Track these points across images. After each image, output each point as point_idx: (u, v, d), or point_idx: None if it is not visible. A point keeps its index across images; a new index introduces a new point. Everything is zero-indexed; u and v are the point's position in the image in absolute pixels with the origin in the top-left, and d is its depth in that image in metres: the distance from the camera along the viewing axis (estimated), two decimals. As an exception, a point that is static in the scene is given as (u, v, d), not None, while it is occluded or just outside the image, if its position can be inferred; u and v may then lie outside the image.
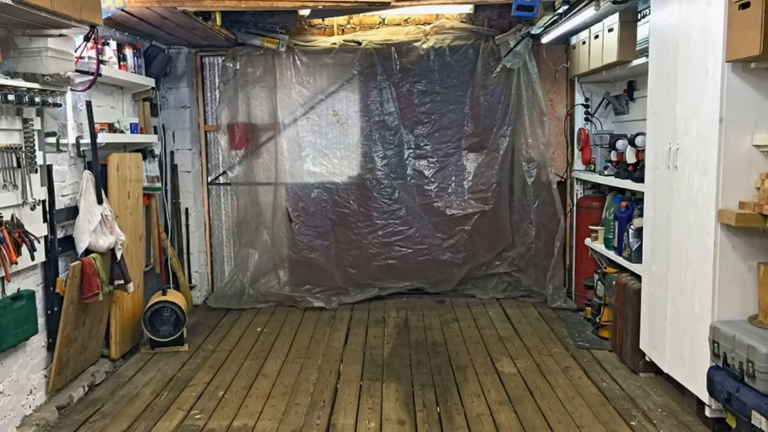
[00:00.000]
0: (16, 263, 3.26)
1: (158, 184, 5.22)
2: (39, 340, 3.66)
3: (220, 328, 5.23)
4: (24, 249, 3.35)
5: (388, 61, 5.72)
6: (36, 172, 3.54)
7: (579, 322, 5.10)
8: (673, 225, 3.52)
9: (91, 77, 3.93)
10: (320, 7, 4.44)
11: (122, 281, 4.14)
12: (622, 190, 4.83)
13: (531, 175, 5.65)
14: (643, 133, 4.09)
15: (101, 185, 4.11)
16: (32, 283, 3.61)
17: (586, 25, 4.84)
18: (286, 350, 4.66)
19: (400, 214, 5.85)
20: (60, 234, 3.87)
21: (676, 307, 3.49)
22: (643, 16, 3.95)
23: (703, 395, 3.16)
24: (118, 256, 4.14)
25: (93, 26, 3.55)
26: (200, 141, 5.96)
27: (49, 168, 3.74)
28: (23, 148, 3.42)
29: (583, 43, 5.03)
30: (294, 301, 5.77)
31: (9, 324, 3.27)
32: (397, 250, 5.86)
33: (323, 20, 5.85)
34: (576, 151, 5.63)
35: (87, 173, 4.04)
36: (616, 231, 4.47)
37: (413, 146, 5.84)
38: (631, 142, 4.33)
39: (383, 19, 5.90)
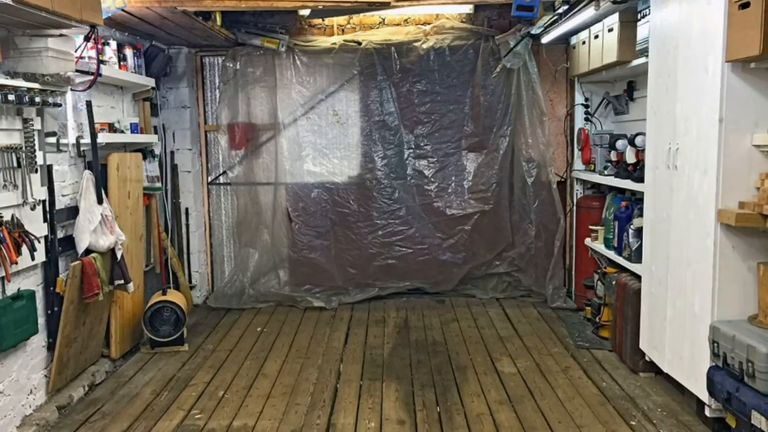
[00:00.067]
0: (17, 263, 3.26)
1: (158, 184, 5.23)
2: (39, 340, 3.66)
3: (220, 327, 5.23)
4: (24, 249, 3.35)
5: (388, 61, 5.72)
6: (36, 172, 3.55)
7: (579, 321, 5.10)
8: (673, 225, 3.52)
9: (92, 77, 3.93)
10: (320, 7, 4.44)
11: (122, 281, 4.15)
12: (622, 190, 4.84)
13: (531, 175, 5.65)
14: (643, 133, 4.09)
15: (101, 185, 4.12)
16: (32, 282, 3.61)
17: (586, 25, 4.85)
18: (286, 350, 4.67)
19: (400, 214, 5.85)
20: (60, 234, 3.87)
21: (675, 307, 3.49)
22: (643, 16, 3.95)
23: (703, 395, 3.17)
24: (119, 256, 4.14)
25: (93, 26, 3.55)
26: (200, 141, 5.96)
27: (50, 168, 3.74)
28: (23, 148, 3.43)
29: (583, 43, 5.04)
30: (294, 301, 5.77)
31: (9, 324, 3.27)
32: (397, 250, 5.86)
33: (323, 20, 5.85)
34: (576, 151, 5.63)
35: (87, 173, 4.04)
36: (616, 231, 4.47)
37: (413, 146, 5.84)
38: (631, 142, 4.33)
39: (383, 19, 5.90)
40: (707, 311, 3.14)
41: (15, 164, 3.36)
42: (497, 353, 4.49)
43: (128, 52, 4.70)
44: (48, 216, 3.71)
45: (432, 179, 5.85)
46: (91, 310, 4.01)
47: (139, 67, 4.93)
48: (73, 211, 3.98)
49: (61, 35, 3.46)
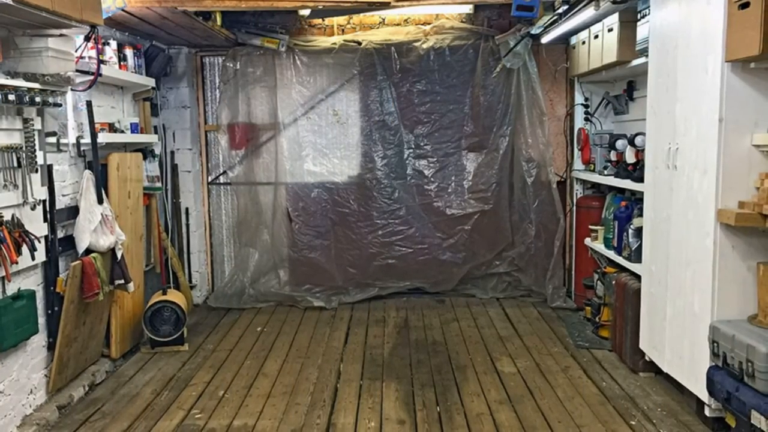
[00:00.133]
0: (17, 263, 3.27)
1: (158, 184, 5.23)
2: (39, 340, 3.66)
3: (221, 327, 5.23)
4: (24, 249, 3.35)
5: (388, 61, 5.72)
6: (36, 171, 3.55)
7: (579, 321, 5.11)
8: (673, 225, 3.53)
9: (92, 77, 3.93)
10: (320, 7, 4.45)
11: (122, 281, 4.15)
12: (621, 190, 4.84)
13: (531, 175, 5.65)
14: (643, 133, 4.09)
15: (101, 185, 4.12)
16: (33, 282, 3.61)
17: (586, 25, 4.85)
18: (286, 350, 4.67)
19: (400, 214, 5.86)
20: (60, 234, 3.87)
21: (675, 307, 3.50)
22: (643, 16, 3.96)
23: (703, 395, 3.17)
24: (119, 255, 4.14)
25: (93, 26, 3.55)
26: (200, 141, 5.96)
27: (50, 168, 3.74)
28: (24, 148, 3.43)
29: (583, 43, 5.04)
30: (294, 300, 5.77)
31: (9, 323, 3.27)
32: (397, 249, 5.87)
33: (323, 20, 5.85)
34: (576, 150, 5.63)
35: (87, 173, 4.04)
36: (616, 231, 4.47)
37: (413, 146, 5.84)
38: (631, 142, 4.33)
39: (383, 19, 5.90)
40: (707, 311, 3.14)
41: (15, 164, 3.36)
42: (497, 353, 4.49)
43: (128, 52, 4.71)
44: (48, 216, 3.71)
45: (432, 179, 5.86)
46: (91, 309, 4.01)
47: (140, 67, 4.93)
48: (73, 211, 3.98)
49: (61, 35, 3.46)
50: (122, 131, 4.62)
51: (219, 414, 3.62)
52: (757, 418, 2.72)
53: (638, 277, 4.07)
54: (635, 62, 4.23)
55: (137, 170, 4.74)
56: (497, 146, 5.75)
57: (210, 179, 6.05)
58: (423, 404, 3.69)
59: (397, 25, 5.91)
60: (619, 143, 4.60)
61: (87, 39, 3.75)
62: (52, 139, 3.78)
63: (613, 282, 4.37)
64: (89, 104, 4.03)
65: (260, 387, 4.00)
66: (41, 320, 3.65)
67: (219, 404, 3.75)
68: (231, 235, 6.10)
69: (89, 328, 4.05)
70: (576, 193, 5.69)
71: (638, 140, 4.21)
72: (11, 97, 3.18)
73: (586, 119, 5.53)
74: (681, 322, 3.43)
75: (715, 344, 3.02)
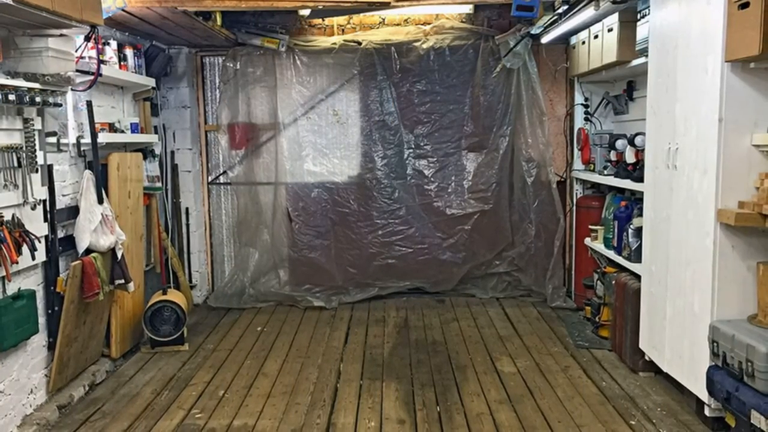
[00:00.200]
0: (17, 263, 3.27)
1: (159, 184, 5.23)
2: (39, 340, 3.66)
3: (221, 327, 5.24)
4: (25, 248, 3.35)
5: (388, 61, 5.72)
6: (37, 171, 3.55)
7: (578, 321, 5.11)
8: (673, 225, 3.53)
9: (92, 77, 3.93)
10: (320, 7, 4.45)
11: (123, 281, 4.15)
12: (621, 190, 4.84)
13: (531, 175, 5.66)
14: (643, 133, 4.09)
15: (102, 185, 4.12)
16: (33, 282, 3.61)
17: (586, 25, 4.85)
18: (286, 350, 4.67)
19: (400, 214, 5.86)
20: (60, 233, 3.87)
21: (675, 307, 3.50)
22: (643, 16, 3.96)
23: (703, 394, 3.17)
24: (119, 255, 4.14)
25: (93, 26, 3.55)
26: (200, 141, 5.96)
27: (50, 168, 3.75)
28: (24, 148, 3.43)
29: (583, 43, 5.04)
30: (294, 300, 5.77)
31: (10, 323, 3.27)
32: (397, 249, 5.87)
33: (323, 20, 5.85)
34: (575, 150, 5.63)
35: (87, 173, 4.04)
36: (616, 230, 4.47)
37: (413, 146, 5.84)
38: (631, 142, 4.34)
39: (383, 19, 5.91)
40: (707, 311, 3.14)
41: (15, 164, 3.37)
42: (497, 353, 4.50)
43: (128, 52, 4.71)
44: (48, 216, 3.72)
45: (432, 179, 5.86)
46: (91, 309, 4.01)
47: (140, 67, 4.93)
48: (73, 211, 3.99)
49: (61, 35, 3.46)
50: (122, 131, 4.62)
51: (219, 414, 3.62)
52: (756, 418, 2.72)
53: (638, 277, 4.07)
54: (635, 62, 4.23)
55: (137, 170, 4.74)
56: (497, 146, 5.75)
57: (210, 179, 6.05)
58: (423, 404, 3.69)
59: (397, 25, 5.91)
60: (619, 143, 4.61)
61: (87, 39, 3.76)
62: (53, 139, 3.78)
63: (613, 282, 4.37)
64: (89, 104, 4.03)
65: (260, 387, 4.00)
66: (41, 320, 3.65)
67: (219, 404, 3.75)
68: (231, 234, 6.10)
69: (89, 328, 4.05)
70: (576, 193, 5.69)
71: (638, 140, 4.22)
72: (11, 97, 3.18)
73: (586, 119, 5.53)
74: (681, 321, 3.43)
75: (715, 344, 3.03)
